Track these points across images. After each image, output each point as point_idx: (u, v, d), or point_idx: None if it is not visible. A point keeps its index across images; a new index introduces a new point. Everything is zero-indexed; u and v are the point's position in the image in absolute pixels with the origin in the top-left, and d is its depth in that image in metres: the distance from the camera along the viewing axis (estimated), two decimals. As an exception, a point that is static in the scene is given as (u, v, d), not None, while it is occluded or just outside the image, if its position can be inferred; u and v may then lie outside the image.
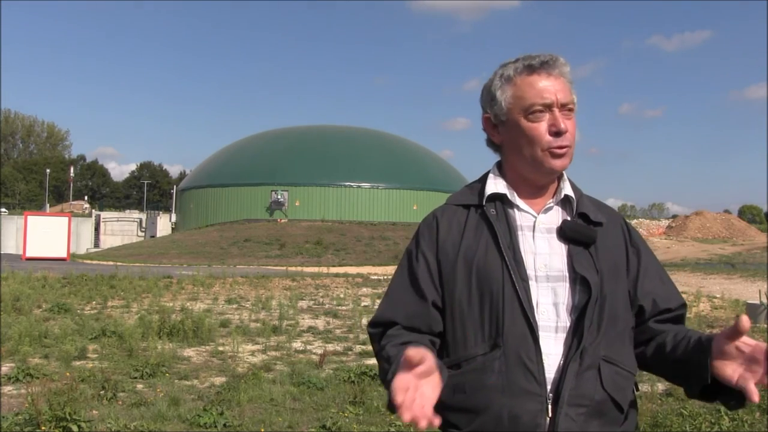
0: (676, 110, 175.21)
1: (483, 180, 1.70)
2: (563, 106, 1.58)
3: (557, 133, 1.57)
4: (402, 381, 1.30)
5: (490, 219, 1.61)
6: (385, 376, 1.51)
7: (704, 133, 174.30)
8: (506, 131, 1.64)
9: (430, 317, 1.61)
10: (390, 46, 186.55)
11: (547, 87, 1.59)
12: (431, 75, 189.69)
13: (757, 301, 13.46)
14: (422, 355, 1.32)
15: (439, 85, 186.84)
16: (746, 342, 1.37)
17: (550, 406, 1.47)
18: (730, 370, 1.39)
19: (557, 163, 1.59)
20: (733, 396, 1.42)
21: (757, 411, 5.97)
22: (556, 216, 1.63)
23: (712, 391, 1.45)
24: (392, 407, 1.37)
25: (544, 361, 1.49)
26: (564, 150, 1.58)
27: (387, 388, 1.49)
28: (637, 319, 1.62)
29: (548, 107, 1.58)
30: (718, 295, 17.39)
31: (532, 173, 1.63)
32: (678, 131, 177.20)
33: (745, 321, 1.34)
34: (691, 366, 1.46)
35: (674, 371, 1.55)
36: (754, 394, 1.34)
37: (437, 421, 1.30)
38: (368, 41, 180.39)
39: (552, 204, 1.64)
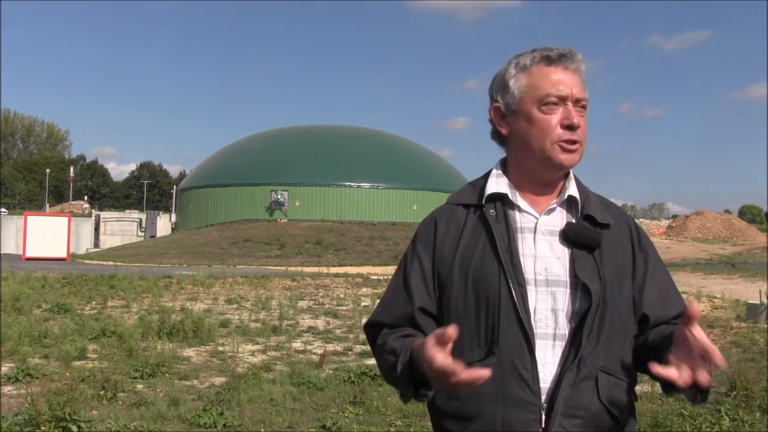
0: (676, 110, 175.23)
1: (485, 178, 1.64)
2: (577, 102, 1.55)
3: (570, 127, 1.53)
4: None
5: (488, 220, 1.56)
6: (391, 368, 1.51)
7: (704, 133, 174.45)
8: (516, 121, 1.59)
9: (416, 322, 1.58)
10: (389, 45, 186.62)
11: (563, 80, 1.55)
12: (431, 74, 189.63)
13: (758, 301, 13.45)
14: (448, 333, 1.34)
15: (438, 85, 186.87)
16: (695, 333, 1.30)
17: (543, 416, 1.44)
18: (674, 358, 1.33)
19: (566, 158, 1.54)
20: (696, 388, 1.37)
21: (757, 411, 5.97)
22: (559, 218, 1.58)
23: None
24: (405, 397, 1.45)
25: (539, 370, 1.46)
26: (575, 146, 1.54)
27: (392, 379, 1.52)
28: (639, 327, 1.57)
29: (563, 100, 1.55)
30: (718, 295, 17.38)
31: (539, 167, 1.58)
32: (678, 131, 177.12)
33: (695, 307, 1.30)
34: (657, 354, 1.43)
35: (647, 362, 1.47)
36: (677, 381, 1.30)
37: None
38: (367, 41, 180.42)
39: (555, 205, 1.58)
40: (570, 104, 1.54)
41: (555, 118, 1.54)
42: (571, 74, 1.56)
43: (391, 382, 1.56)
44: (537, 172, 1.59)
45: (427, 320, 1.58)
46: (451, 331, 1.31)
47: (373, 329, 1.68)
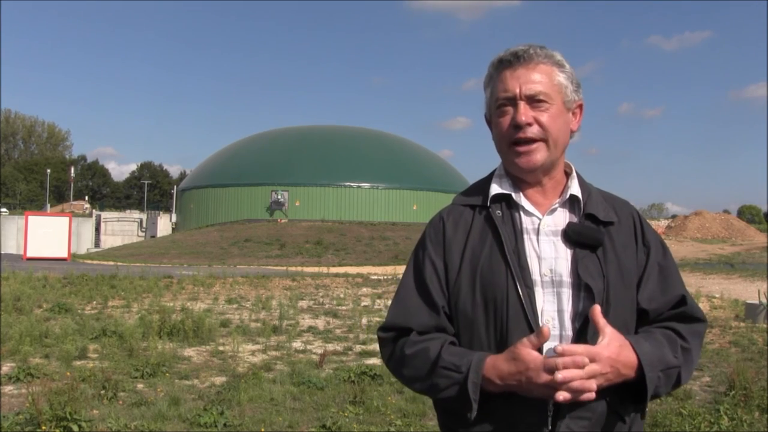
0: (675, 110, 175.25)
1: (489, 179, 1.64)
2: (530, 98, 1.53)
3: (516, 126, 1.53)
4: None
5: (495, 221, 1.56)
6: (453, 384, 1.46)
7: (704, 133, 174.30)
8: (491, 129, 1.64)
9: (442, 325, 1.56)
10: (389, 45, 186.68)
11: (510, 80, 1.55)
12: (430, 74, 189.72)
13: (756, 301, 13.46)
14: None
15: (438, 85, 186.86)
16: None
17: (551, 418, 1.45)
18: None
19: (521, 160, 1.54)
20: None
21: (756, 410, 5.98)
22: (562, 217, 1.57)
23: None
24: (471, 413, 1.43)
25: None
26: (527, 146, 1.53)
27: (449, 393, 1.47)
28: (640, 321, 1.56)
29: (511, 100, 1.54)
30: (717, 295, 17.38)
31: (511, 170, 1.60)
32: (677, 131, 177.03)
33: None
34: None
35: None
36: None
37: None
38: (367, 41, 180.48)
39: (557, 205, 1.58)
40: (522, 103, 1.53)
41: (507, 120, 1.55)
42: (527, 71, 1.54)
43: (443, 395, 1.49)
44: (515, 174, 1.60)
45: (447, 322, 1.57)
46: (546, 330, 1.39)
47: (393, 332, 1.61)
